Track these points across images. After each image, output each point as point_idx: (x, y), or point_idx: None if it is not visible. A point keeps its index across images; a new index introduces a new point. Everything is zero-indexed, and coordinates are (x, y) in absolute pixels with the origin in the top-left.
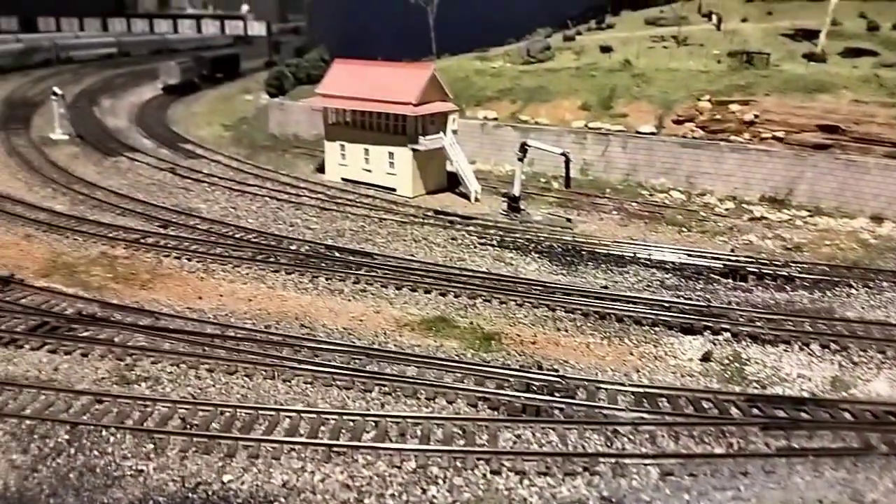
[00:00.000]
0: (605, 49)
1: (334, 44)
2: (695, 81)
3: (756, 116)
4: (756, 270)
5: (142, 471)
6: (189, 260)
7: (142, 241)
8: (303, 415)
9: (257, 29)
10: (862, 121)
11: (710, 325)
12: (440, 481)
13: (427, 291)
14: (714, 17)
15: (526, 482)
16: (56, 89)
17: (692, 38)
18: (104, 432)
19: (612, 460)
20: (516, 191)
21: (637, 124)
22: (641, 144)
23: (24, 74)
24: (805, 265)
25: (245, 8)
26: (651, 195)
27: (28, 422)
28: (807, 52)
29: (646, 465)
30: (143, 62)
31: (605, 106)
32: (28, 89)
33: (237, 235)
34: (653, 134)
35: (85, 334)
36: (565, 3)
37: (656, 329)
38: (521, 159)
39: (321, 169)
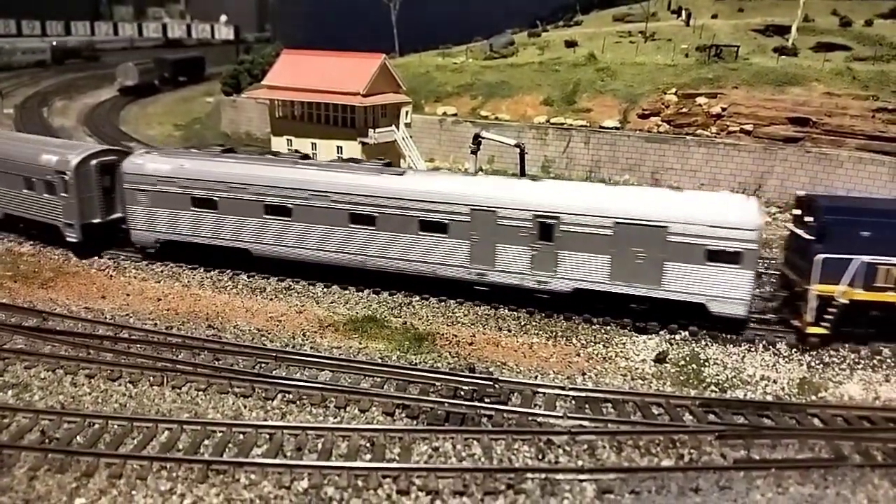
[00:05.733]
0: (570, 44)
1: (298, 44)
2: (661, 75)
3: (724, 109)
4: None
5: None
6: (100, 257)
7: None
8: (185, 427)
9: (225, 33)
10: (834, 113)
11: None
12: (334, 503)
13: (359, 290)
14: (683, 14)
15: (438, 503)
16: None
17: (660, 34)
18: None
19: (542, 476)
20: None
21: (601, 119)
22: (605, 140)
23: None
24: (771, 261)
25: (223, 18)
26: None
27: None
28: (777, 46)
29: (581, 480)
30: (109, 66)
31: (569, 101)
32: None
33: None
34: (617, 129)
35: None
36: (535, 4)
37: (607, 328)
38: (474, 152)
39: None
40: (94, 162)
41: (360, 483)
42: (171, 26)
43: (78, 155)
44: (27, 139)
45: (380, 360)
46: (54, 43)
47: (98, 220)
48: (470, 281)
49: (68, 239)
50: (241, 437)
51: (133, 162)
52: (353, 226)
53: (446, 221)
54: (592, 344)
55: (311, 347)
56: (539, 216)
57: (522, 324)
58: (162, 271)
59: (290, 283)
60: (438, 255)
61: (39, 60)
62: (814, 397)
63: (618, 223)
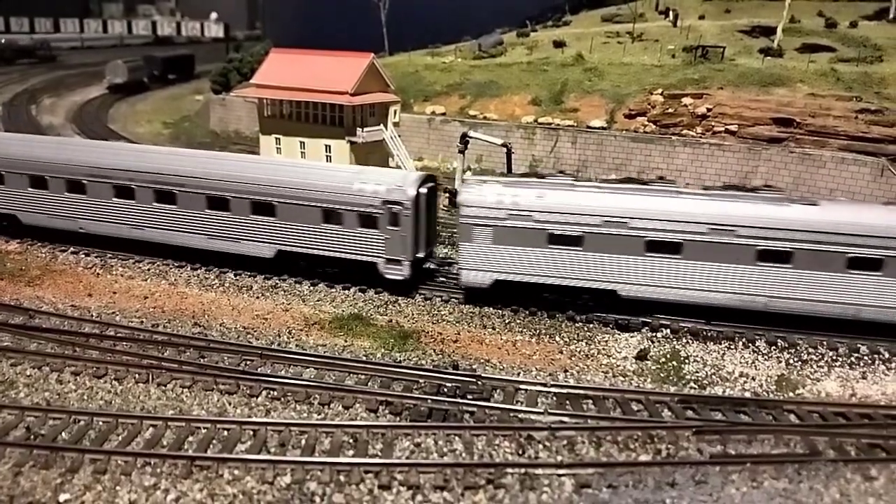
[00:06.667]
0: (559, 44)
1: (288, 42)
2: (648, 75)
3: (709, 110)
4: None
5: None
6: (87, 255)
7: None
8: (170, 423)
9: (215, 31)
10: (818, 114)
11: (647, 321)
12: (317, 499)
13: (345, 288)
14: (671, 14)
15: (419, 498)
16: None
17: (648, 34)
18: None
19: (522, 470)
20: (457, 184)
21: (588, 119)
22: (592, 139)
23: None
24: None
25: (214, 16)
26: None
27: None
28: (763, 47)
29: (560, 475)
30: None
31: (556, 100)
32: None
33: None
34: (603, 129)
35: None
36: (524, 4)
37: (590, 326)
38: (462, 151)
39: None
40: (423, 190)
41: (342, 478)
42: (161, 24)
43: (414, 184)
44: (309, 165)
45: (364, 358)
46: (2, 41)
47: (422, 253)
48: None
49: (390, 277)
50: (226, 433)
51: (474, 193)
52: (761, 264)
53: (882, 258)
54: (575, 342)
55: (297, 345)
56: None
57: (507, 322)
58: (149, 269)
59: (277, 282)
60: (867, 295)
61: None
62: (791, 394)
63: None
